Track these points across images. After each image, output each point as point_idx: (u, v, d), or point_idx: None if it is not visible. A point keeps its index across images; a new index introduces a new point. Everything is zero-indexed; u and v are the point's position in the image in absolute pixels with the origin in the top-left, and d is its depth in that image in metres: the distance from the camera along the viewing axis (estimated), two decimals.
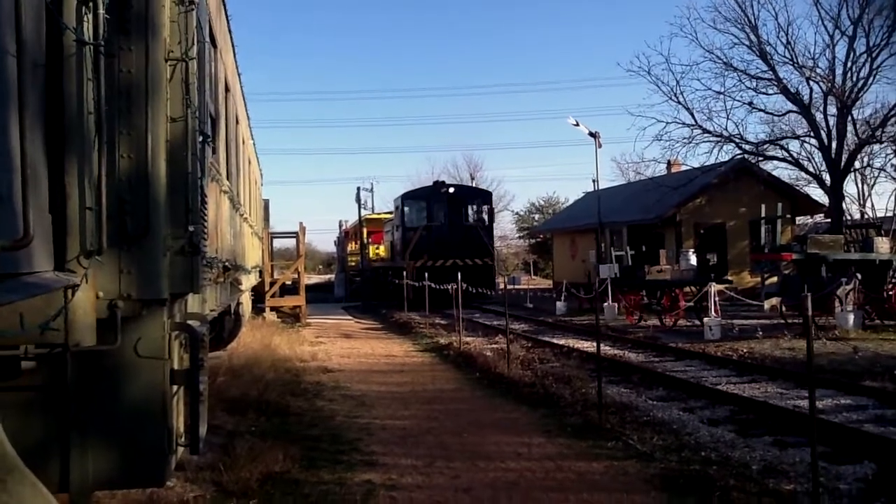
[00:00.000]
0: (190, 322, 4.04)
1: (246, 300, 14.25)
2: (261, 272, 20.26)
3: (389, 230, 34.49)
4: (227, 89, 7.77)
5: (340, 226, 46.60)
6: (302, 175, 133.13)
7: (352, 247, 42.33)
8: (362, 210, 39.13)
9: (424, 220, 29.74)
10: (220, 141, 6.86)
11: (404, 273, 27.61)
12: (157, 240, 3.52)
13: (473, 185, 51.44)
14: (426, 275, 24.86)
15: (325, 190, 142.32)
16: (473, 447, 7.84)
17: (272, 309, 23.00)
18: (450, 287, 18.43)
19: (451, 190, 30.30)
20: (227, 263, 7.06)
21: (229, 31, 8.14)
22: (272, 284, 23.50)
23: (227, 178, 7.69)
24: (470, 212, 30.82)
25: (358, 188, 38.84)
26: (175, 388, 3.85)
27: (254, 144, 15.80)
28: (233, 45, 8.76)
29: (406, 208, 30.64)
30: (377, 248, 39.21)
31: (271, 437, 7.84)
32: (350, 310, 30.22)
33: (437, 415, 9.53)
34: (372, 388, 11.59)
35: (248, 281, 13.17)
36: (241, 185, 10.26)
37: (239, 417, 8.85)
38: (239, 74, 10.14)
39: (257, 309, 21.41)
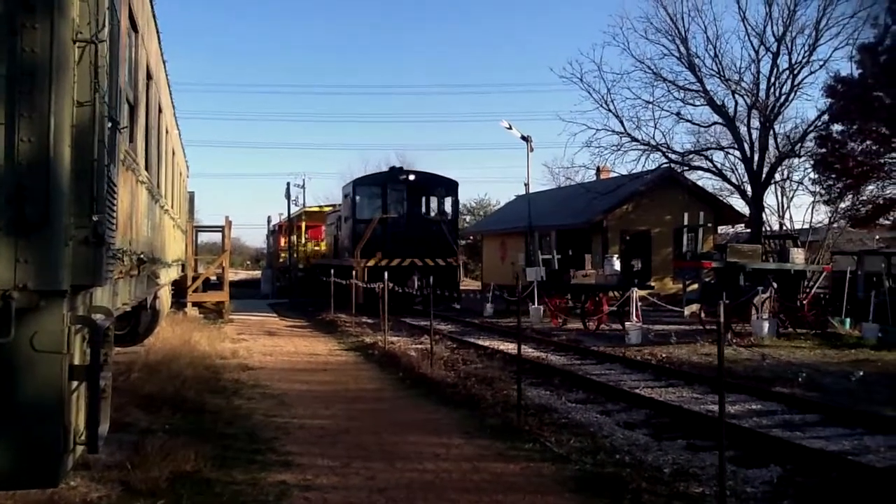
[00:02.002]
0: (93, 315, 3.89)
1: (165, 294, 13.89)
2: (183, 266, 19.78)
3: (333, 223, 30.57)
4: (149, 76, 7.54)
5: (269, 221, 45.92)
6: (232, 169, 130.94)
7: (285, 241, 40.37)
8: (293, 206, 38.59)
9: (379, 212, 25.25)
10: (138, 129, 6.65)
11: (353, 273, 23.54)
12: (58, 229, 3.36)
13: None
14: (350, 274, 23.43)
15: (255, 184, 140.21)
16: (392, 448, 7.80)
17: (194, 304, 22.48)
18: (376, 286, 17.90)
19: (412, 177, 25.84)
20: (142, 256, 6.84)
21: (153, 15, 7.90)
22: (195, 279, 22.98)
23: (146, 168, 7.46)
24: (432, 203, 26.74)
25: (288, 183, 38.21)
26: (75, 384, 3.69)
27: (179, 135, 15.41)
28: (157, 31, 8.50)
29: (357, 197, 25.97)
30: (316, 245, 36.73)
31: (185, 435, 7.65)
32: (276, 307, 29.75)
33: (357, 415, 9.44)
34: (293, 386, 11.42)
35: (168, 275, 12.83)
36: (162, 176, 9.98)
37: (153, 415, 8.65)
38: (164, 62, 9.86)
39: (178, 304, 20.91)
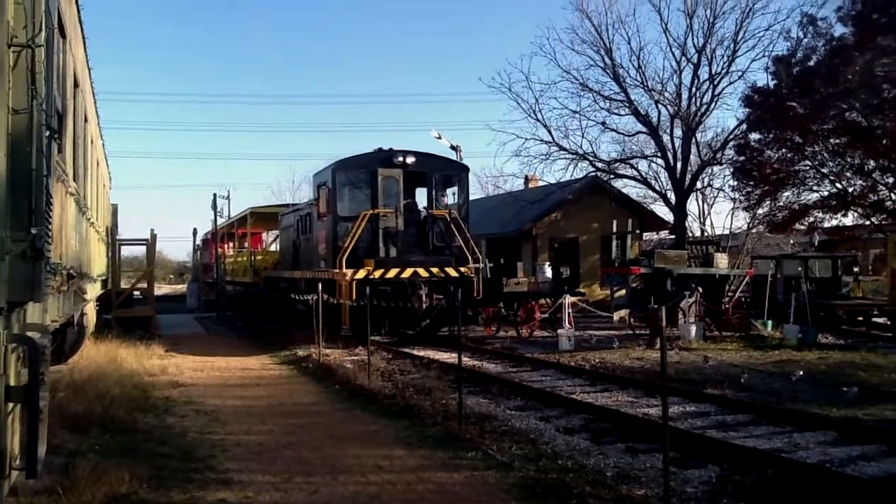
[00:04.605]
0: (30, 333, 3.70)
1: (90, 310, 13.41)
2: (107, 281, 19.16)
3: (291, 224, 24.19)
4: (76, 84, 7.28)
5: (195, 233, 44.80)
6: (154, 180, 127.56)
7: (222, 250, 35.41)
8: (219, 218, 37.81)
9: (368, 206, 18.76)
10: (67, 139, 6.41)
11: (338, 287, 17.91)
12: None
13: None
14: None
15: (177, 197, 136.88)
16: (333, 461, 7.68)
17: (119, 320, 21.74)
18: (309, 297, 17.23)
19: (410, 160, 19.19)
20: (71, 271, 6.58)
21: (80, 21, 7.63)
22: (120, 294, 22.26)
23: (74, 180, 7.20)
24: (436, 194, 20.00)
25: (214, 195, 37.57)
26: (10, 405, 3.50)
27: (103, 145, 14.95)
28: (83, 37, 8.23)
29: (338, 186, 19.14)
30: (260, 257, 30.92)
31: (117, 456, 7.41)
32: (204, 322, 29.07)
33: (295, 429, 9.28)
34: (227, 402, 11.17)
35: (94, 290, 12.40)
36: (88, 188, 9.65)
37: (81, 436, 8.34)
38: (89, 69, 9.54)
39: (103, 320, 20.23)
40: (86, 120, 8.79)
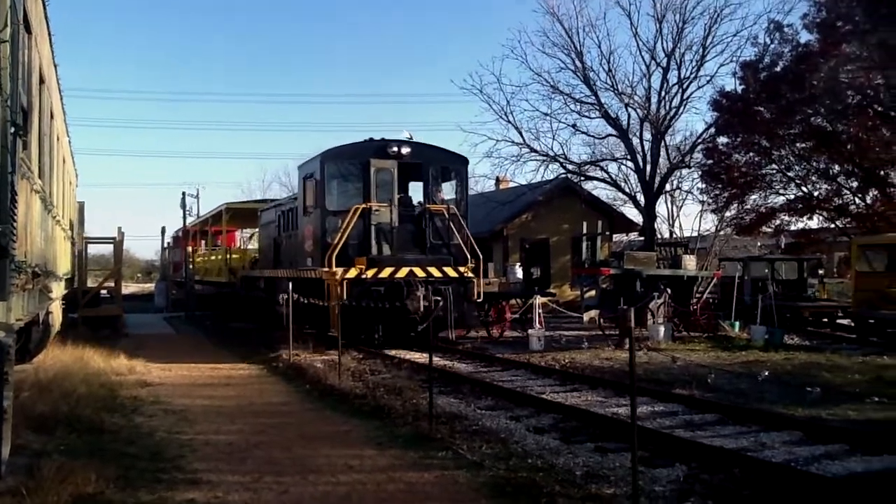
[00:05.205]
0: None
1: (56, 309, 13.22)
2: (74, 279, 18.91)
3: (272, 221, 22.80)
4: (41, 80, 7.18)
5: (164, 232, 44.31)
6: (122, 178, 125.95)
7: (193, 248, 34.82)
8: (188, 216, 37.41)
9: (359, 199, 17.37)
10: (32, 136, 6.32)
11: (325, 287, 16.82)
12: None
13: None
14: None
15: (144, 195, 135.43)
16: (303, 461, 7.65)
17: (86, 319, 21.47)
18: (283, 296, 17.19)
19: (405, 150, 17.86)
20: (36, 269, 6.49)
21: (45, 16, 7.52)
22: (86, 293, 21.97)
23: (40, 177, 7.10)
24: (433, 187, 18.49)
25: (183, 193, 37.11)
26: None
27: (69, 143, 14.75)
28: (49, 33, 8.11)
29: (327, 179, 17.74)
30: (237, 256, 29.31)
31: (84, 456, 7.30)
32: (173, 321, 28.80)
33: (265, 429, 9.22)
34: (195, 402, 11.06)
35: (60, 288, 12.24)
36: (54, 186, 9.52)
37: (46, 436, 8.21)
38: (55, 65, 9.41)
39: (69, 319, 19.95)
40: (52, 117, 8.67)
